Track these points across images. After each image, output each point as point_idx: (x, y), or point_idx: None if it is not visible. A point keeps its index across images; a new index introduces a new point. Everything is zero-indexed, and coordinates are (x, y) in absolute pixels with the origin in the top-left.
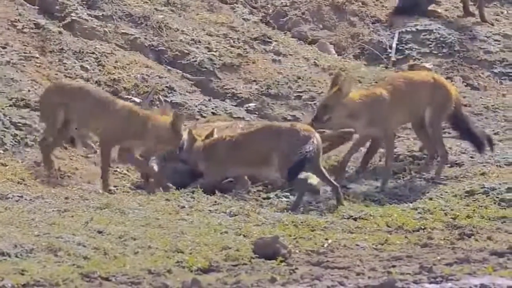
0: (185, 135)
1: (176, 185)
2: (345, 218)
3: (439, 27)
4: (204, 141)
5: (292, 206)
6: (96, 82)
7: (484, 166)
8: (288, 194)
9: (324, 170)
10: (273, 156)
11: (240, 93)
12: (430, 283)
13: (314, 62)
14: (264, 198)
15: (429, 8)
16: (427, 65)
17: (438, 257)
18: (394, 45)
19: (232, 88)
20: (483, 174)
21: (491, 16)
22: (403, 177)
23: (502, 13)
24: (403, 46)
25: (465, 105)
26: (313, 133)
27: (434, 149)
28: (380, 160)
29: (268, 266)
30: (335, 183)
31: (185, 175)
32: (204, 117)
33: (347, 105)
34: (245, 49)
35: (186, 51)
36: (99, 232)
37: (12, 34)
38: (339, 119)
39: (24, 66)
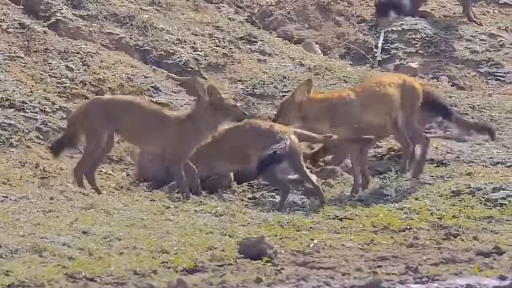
0: None
1: (164, 183)
2: (330, 218)
3: (425, 27)
4: None
5: (278, 206)
6: (81, 82)
7: (470, 166)
8: (274, 194)
9: (306, 169)
10: (250, 153)
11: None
12: (416, 283)
13: (300, 61)
14: (249, 198)
15: (420, 9)
16: (413, 64)
17: (424, 257)
18: (380, 45)
19: None
20: (469, 174)
21: (477, 15)
22: (388, 177)
23: (488, 12)
24: (389, 46)
25: (451, 105)
26: (289, 134)
27: (410, 148)
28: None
29: (254, 267)
30: (316, 182)
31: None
32: None
33: (303, 108)
34: (231, 48)
35: (171, 51)
36: (84, 232)
37: None
38: (293, 122)
39: (9, 66)
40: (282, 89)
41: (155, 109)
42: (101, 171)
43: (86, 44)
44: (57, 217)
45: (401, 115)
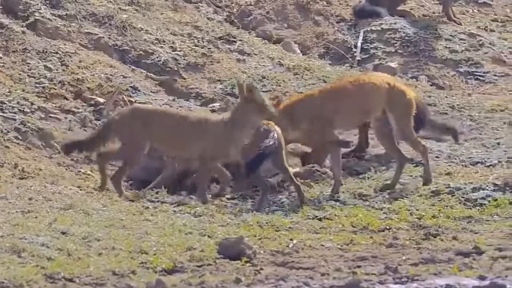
0: None
1: (143, 183)
2: (310, 218)
3: (404, 26)
4: None
5: (257, 206)
6: (60, 82)
7: (449, 165)
8: (253, 194)
9: (288, 167)
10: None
11: (205, 92)
12: (395, 283)
13: (279, 61)
14: (228, 199)
15: (399, 8)
16: (392, 64)
17: (404, 257)
18: (359, 44)
19: (197, 88)
20: (448, 174)
21: (456, 15)
22: (368, 177)
23: (467, 12)
24: (368, 46)
25: (430, 105)
26: (274, 127)
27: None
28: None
29: (233, 267)
30: (297, 181)
31: (153, 172)
32: None
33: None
34: (210, 48)
35: (150, 51)
36: (63, 233)
37: None
38: None
39: None
40: (262, 89)
41: (194, 116)
42: (80, 171)
43: (65, 44)
44: (36, 217)
45: (395, 126)
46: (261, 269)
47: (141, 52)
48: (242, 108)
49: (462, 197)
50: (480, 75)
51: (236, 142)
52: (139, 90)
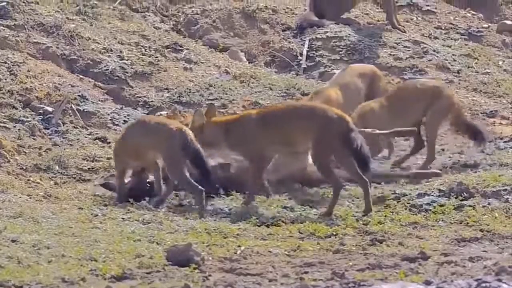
0: None
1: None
2: (257, 225)
3: (349, 34)
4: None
5: (199, 213)
6: (9, 91)
7: (394, 171)
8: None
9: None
10: (149, 153)
11: (152, 101)
12: None
13: (226, 69)
14: (176, 206)
15: (344, 16)
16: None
17: (350, 263)
18: (304, 52)
19: (144, 96)
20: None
21: (400, 22)
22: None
23: (411, 19)
24: (313, 53)
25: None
26: (185, 128)
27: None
28: None
29: (182, 273)
30: (200, 187)
31: None
32: (117, 125)
33: (204, 133)
34: (157, 57)
35: (98, 60)
36: (13, 241)
37: None
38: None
39: None
40: (208, 97)
41: None
42: (29, 179)
43: (13, 54)
44: None
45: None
46: (210, 275)
47: (88, 61)
48: None
49: (408, 203)
50: None
51: None
52: (87, 99)
